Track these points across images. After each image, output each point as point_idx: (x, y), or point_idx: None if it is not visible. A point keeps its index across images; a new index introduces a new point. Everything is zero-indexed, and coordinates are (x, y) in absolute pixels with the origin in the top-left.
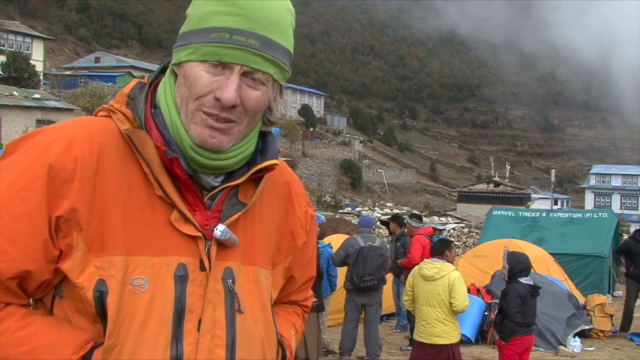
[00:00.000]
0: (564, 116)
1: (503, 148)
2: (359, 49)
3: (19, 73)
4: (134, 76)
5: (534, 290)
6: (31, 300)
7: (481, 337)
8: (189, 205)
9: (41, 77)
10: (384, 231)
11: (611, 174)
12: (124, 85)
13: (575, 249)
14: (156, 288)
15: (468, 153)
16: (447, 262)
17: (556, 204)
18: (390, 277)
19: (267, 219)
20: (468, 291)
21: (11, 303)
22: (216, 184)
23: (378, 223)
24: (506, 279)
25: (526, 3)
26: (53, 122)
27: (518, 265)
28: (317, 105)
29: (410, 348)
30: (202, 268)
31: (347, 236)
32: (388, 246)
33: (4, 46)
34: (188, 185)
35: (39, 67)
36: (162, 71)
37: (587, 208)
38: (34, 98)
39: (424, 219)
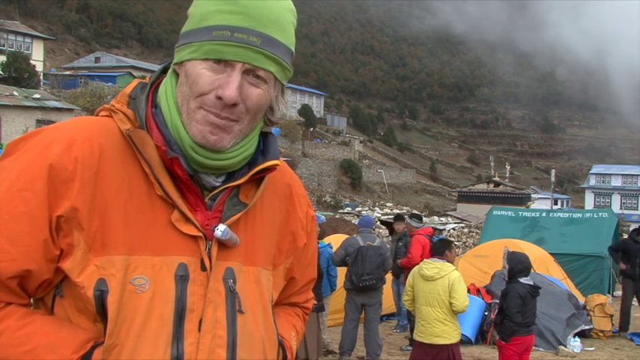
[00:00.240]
0: (564, 116)
1: (503, 148)
2: (359, 49)
3: (19, 73)
4: (134, 76)
5: (534, 290)
6: (31, 300)
7: (481, 337)
8: (190, 205)
9: (41, 77)
10: (384, 231)
11: (611, 174)
12: (124, 85)
13: (575, 249)
14: (156, 288)
15: (468, 153)
16: (447, 262)
17: (556, 204)
18: (389, 276)
19: (268, 220)
20: (468, 291)
21: (12, 302)
22: (218, 184)
23: (378, 223)
24: (506, 279)
25: (524, 3)
26: (53, 122)
27: (518, 265)
28: (317, 105)
29: (410, 348)
30: (203, 268)
31: (347, 236)
32: (388, 246)
33: (4, 46)
34: (189, 185)
35: (39, 67)
36: (164, 71)
37: (587, 208)
38: (34, 98)
39: (424, 219)
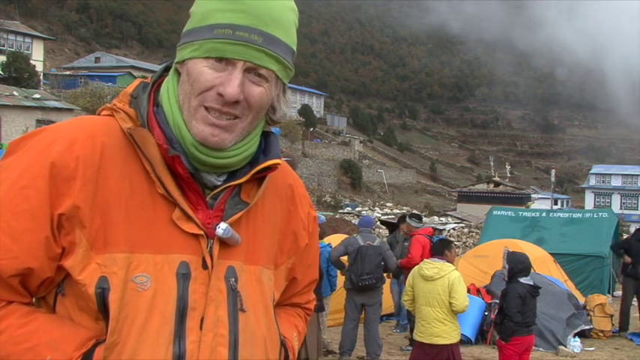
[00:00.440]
0: (564, 116)
1: (503, 148)
2: (359, 49)
3: (19, 73)
4: (134, 76)
5: (534, 290)
6: (34, 299)
7: (481, 337)
8: (191, 204)
9: (41, 77)
10: (384, 231)
11: (611, 174)
12: (124, 85)
13: (575, 249)
14: (158, 286)
15: (468, 153)
16: (447, 262)
17: (556, 204)
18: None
19: (269, 219)
20: (468, 291)
21: (14, 301)
22: (219, 183)
23: (378, 223)
24: (506, 279)
25: (524, 2)
26: (53, 122)
27: (518, 265)
28: (317, 105)
29: (410, 348)
30: (205, 266)
31: (347, 236)
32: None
33: (4, 46)
34: (190, 183)
35: (39, 67)
36: (166, 71)
37: (587, 208)
38: (34, 98)
39: (424, 219)
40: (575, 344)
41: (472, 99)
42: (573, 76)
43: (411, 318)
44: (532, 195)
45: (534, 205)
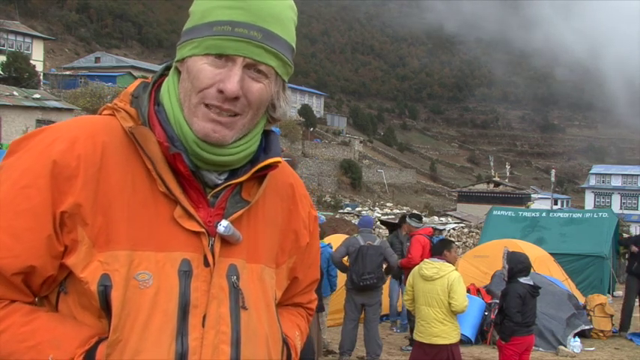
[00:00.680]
0: (564, 116)
1: (503, 148)
2: (359, 49)
3: (19, 73)
4: (134, 76)
5: (534, 290)
6: (36, 299)
7: (481, 337)
8: (192, 202)
9: (41, 77)
10: (384, 231)
11: (611, 174)
12: (124, 85)
13: (575, 249)
14: (160, 283)
15: (468, 153)
16: (447, 262)
17: (556, 204)
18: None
19: (270, 218)
20: (468, 291)
21: (16, 300)
22: (220, 181)
23: (378, 223)
24: (506, 279)
25: (523, 2)
26: (53, 122)
27: (518, 265)
28: (317, 105)
29: (410, 348)
30: (206, 264)
31: (347, 236)
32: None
33: (4, 46)
34: (191, 181)
35: (39, 67)
36: (167, 70)
37: (587, 208)
38: (34, 98)
39: (424, 219)
40: (575, 344)
41: (472, 99)
42: (574, 75)
43: (410, 318)
44: (532, 195)
45: (534, 205)
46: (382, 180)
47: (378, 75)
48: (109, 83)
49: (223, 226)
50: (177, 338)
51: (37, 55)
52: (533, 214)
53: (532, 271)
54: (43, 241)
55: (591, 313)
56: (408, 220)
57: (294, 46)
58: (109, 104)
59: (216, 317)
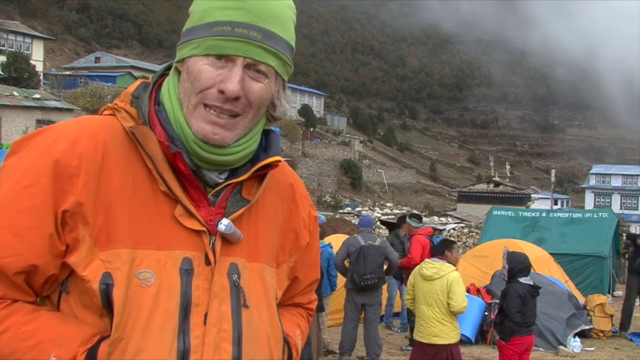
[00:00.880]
0: (564, 116)
1: (503, 148)
2: (359, 49)
3: (19, 73)
4: (134, 76)
5: (534, 290)
6: (38, 299)
7: (481, 337)
8: (193, 201)
9: (41, 77)
10: (384, 231)
11: (611, 174)
12: (124, 85)
13: (575, 249)
14: (162, 282)
15: (468, 153)
16: (448, 262)
17: (556, 204)
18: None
19: (270, 217)
20: (468, 291)
21: (18, 299)
22: (220, 181)
23: (378, 223)
24: (506, 279)
25: (522, 2)
26: (53, 122)
27: (518, 265)
28: (317, 105)
29: (410, 348)
30: (207, 262)
31: (347, 236)
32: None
33: (4, 46)
34: (191, 181)
35: (39, 67)
36: (167, 70)
37: (587, 208)
38: (34, 98)
39: (424, 219)
40: (575, 344)
41: (472, 99)
42: (572, 75)
43: (410, 318)
44: (532, 195)
45: (534, 205)
46: (382, 180)
47: (378, 75)
48: (109, 83)
49: (224, 224)
50: (178, 336)
51: (37, 55)
52: (533, 214)
53: (532, 271)
54: (46, 239)
55: (591, 313)
56: (407, 220)
57: (294, 45)
58: (110, 104)
59: (218, 315)
